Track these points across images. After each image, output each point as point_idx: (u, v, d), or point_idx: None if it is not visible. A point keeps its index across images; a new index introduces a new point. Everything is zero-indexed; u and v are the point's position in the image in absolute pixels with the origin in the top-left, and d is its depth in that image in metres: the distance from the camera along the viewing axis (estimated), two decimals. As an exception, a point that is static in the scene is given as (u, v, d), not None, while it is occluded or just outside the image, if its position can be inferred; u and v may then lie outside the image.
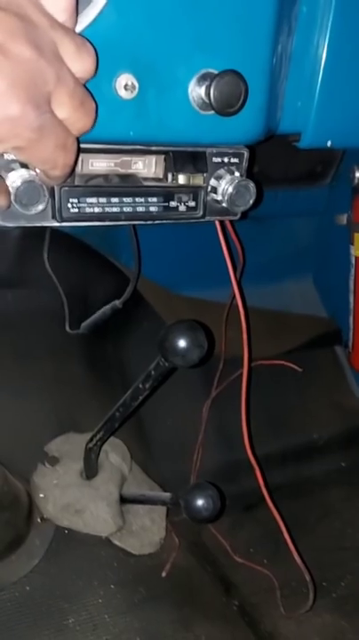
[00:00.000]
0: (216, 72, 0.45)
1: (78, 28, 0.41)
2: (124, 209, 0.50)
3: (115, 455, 0.75)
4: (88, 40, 0.38)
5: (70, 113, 0.37)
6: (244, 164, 0.53)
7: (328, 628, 0.78)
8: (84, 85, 0.38)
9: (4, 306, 0.84)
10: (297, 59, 0.53)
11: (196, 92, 0.46)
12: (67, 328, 0.85)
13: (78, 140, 0.40)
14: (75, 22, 0.38)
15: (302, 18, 0.51)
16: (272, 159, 0.87)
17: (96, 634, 0.61)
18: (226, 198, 0.52)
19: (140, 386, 0.56)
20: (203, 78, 0.46)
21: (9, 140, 0.34)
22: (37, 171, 0.43)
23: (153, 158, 0.51)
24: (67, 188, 0.47)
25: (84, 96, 0.38)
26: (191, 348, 0.49)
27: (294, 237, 1.06)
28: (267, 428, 0.94)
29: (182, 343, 0.48)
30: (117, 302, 0.81)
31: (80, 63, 0.37)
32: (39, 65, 0.33)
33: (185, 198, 0.52)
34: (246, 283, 0.75)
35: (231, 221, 0.65)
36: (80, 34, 0.40)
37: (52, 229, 0.78)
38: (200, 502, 0.59)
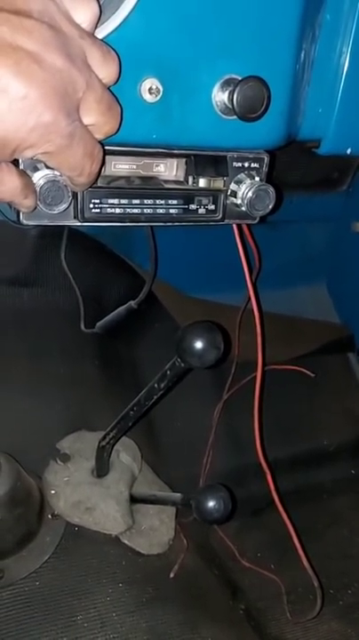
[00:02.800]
0: (239, 78, 0.46)
1: (105, 32, 0.42)
2: (145, 210, 0.51)
3: (126, 455, 0.75)
4: (112, 47, 0.39)
5: (98, 118, 0.38)
6: (264, 169, 0.53)
7: (334, 635, 0.78)
8: (109, 90, 0.39)
9: (20, 304, 0.84)
10: (319, 65, 0.53)
11: (220, 96, 0.47)
12: (82, 327, 0.85)
13: (104, 150, 0.41)
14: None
15: (326, 25, 0.52)
16: (288, 164, 0.87)
17: (104, 631, 0.62)
18: (245, 202, 0.52)
19: (155, 385, 0.56)
20: (226, 84, 0.47)
21: (41, 145, 0.35)
22: (64, 178, 0.44)
23: (174, 161, 0.52)
24: (89, 189, 0.47)
25: (111, 100, 0.39)
26: (208, 349, 0.49)
27: (308, 243, 1.06)
28: (276, 434, 0.93)
29: (199, 344, 0.49)
30: (133, 303, 0.81)
31: (105, 69, 0.38)
32: (71, 74, 0.35)
33: (205, 201, 0.52)
34: (259, 287, 0.75)
35: (248, 225, 0.65)
36: (107, 37, 0.41)
37: (70, 229, 0.79)
38: (211, 503, 0.59)
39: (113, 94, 0.39)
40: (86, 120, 0.38)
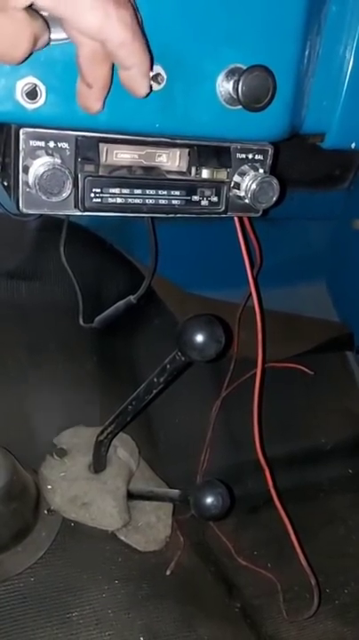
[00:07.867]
0: (244, 67, 0.45)
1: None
2: (147, 201, 0.50)
3: (123, 450, 0.75)
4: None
5: None
6: (268, 161, 0.53)
7: (329, 634, 0.77)
8: None
9: (19, 298, 0.84)
10: (324, 57, 0.52)
11: (224, 86, 0.46)
12: (81, 322, 0.84)
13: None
14: None
15: (331, 17, 0.51)
16: (290, 160, 0.86)
17: (99, 629, 0.61)
18: (249, 195, 0.51)
19: (155, 380, 0.56)
20: (231, 73, 0.46)
21: None
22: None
23: (177, 151, 0.51)
24: (90, 178, 0.47)
25: None
26: (209, 342, 0.48)
27: (309, 240, 1.06)
28: (274, 431, 0.93)
29: (200, 337, 0.48)
30: (132, 298, 0.80)
31: None
32: None
33: (207, 193, 0.52)
34: (259, 284, 0.75)
35: (249, 220, 0.65)
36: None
37: (69, 222, 0.78)
38: (209, 500, 0.58)
39: None
40: None
